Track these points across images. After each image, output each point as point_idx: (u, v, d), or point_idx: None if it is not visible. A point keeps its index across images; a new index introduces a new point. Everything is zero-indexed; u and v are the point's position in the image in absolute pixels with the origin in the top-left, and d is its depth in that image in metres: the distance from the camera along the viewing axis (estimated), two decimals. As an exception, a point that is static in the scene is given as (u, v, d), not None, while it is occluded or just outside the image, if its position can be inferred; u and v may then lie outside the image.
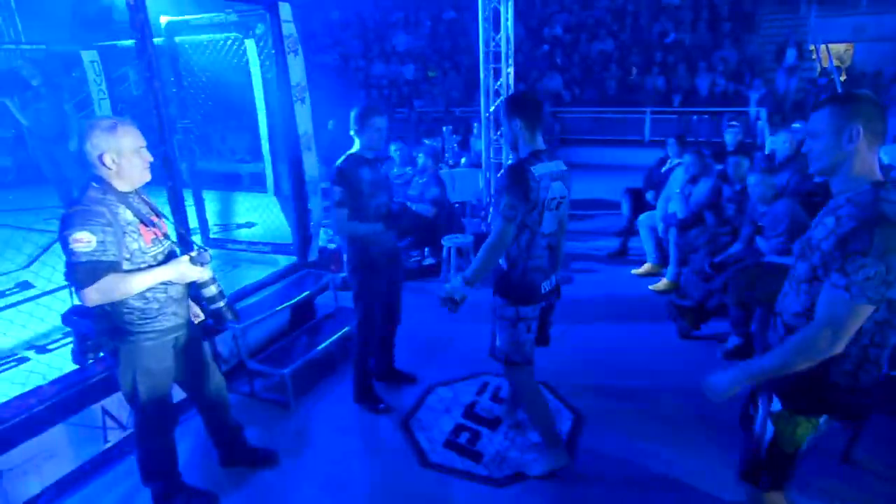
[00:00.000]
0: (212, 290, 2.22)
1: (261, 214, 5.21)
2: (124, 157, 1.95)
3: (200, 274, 2.14)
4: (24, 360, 2.85)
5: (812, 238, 1.52)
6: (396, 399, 3.27)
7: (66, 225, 1.87)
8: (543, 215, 2.26)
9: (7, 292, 3.77)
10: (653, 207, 5.25)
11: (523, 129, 2.28)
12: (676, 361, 3.58)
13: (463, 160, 6.84)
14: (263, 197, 6.23)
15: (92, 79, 6.36)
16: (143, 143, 2.02)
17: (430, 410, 3.15)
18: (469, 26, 14.35)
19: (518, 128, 2.28)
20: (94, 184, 1.97)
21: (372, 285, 2.96)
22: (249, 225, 5.16)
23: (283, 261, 4.06)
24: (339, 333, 3.57)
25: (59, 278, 3.65)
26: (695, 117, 9.70)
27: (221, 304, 2.27)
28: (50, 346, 2.98)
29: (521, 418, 3.01)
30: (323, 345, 3.43)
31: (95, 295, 1.91)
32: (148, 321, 2.11)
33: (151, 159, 2.06)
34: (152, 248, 2.07)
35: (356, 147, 2.81)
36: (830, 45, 10.63)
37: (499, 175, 2.31)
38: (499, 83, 5.48)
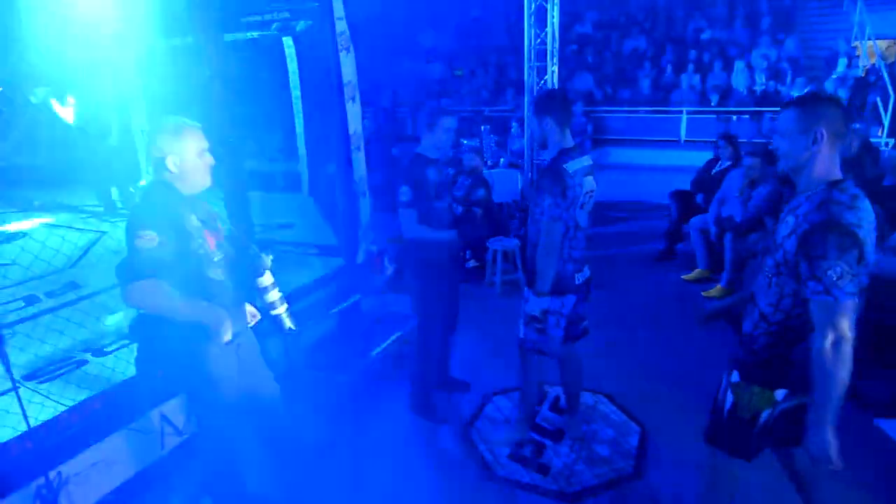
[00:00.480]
0: (272, 296, 2.17)
1: (297, 215, 5.18)
2: (188, 160, 1.93)
3: (227, 331, 2.01)
4: (83, 363, 2.85)
5: (777, 235, 1.65)
6: (452, 408, 3.22)
7: (135, 221, 1.85)
8: (578, 210, 2.34)
9: (57, 292, 3.78)
10: (703, 210, 5.13)
11: (553, 126, 2.33)
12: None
13: (501, 160, 6.78)
14: (297, 197, 6.21)
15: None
16: (205, 145, 1.99)
17: (489, 421, 3.09)
18: (493, 25, 14.30)
19: (548, 126, 2.33)
20: (159, 187, 1.95)
21: (435, 290, 2.93)
22: (289, 225, 5.13)
23: (330, 263, 4.01)
24: (392, 338, 3.52)
25: (108, 279, 3.68)
26: (734, 117, 9.48)
27: (282, 310, 2.21)
28: (107, 349, 2.97)
29: (585, 430, 2.94)
30: (377, 350, 3.38)
31: (138, 295, 1.85)
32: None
33: (213, 162, 2.02)
34: (216, 254, 2.04)
35: (423, 146, 2.79)
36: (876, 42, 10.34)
37: (534, 177, 2.32)
38: (543, 80, 5.39)
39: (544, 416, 3.09)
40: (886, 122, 8.42)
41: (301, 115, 6.01)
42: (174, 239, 1.88)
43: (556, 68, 5.37)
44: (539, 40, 5.33)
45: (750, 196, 4.36)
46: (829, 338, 1.51)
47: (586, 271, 2.51)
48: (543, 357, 2.65)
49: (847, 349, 1.51)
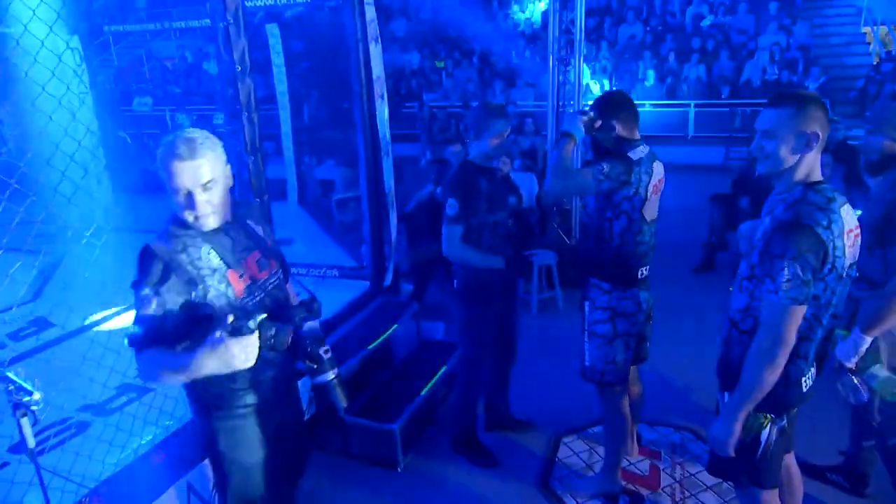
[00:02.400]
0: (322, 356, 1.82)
1: (289, 228, 4.95)
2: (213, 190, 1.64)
3: (247, 357, 1.56)
4: (84, 425, 2.55)
5: (753, 237, 1.72)
6: (514, 452, 3.06)
7: (139, 275, 1.60)
8: (645, 201, 2.34)
9: (23, 334, 3.44)
10: (749, 215, 5.12)
11: (622, 131, 2.34)
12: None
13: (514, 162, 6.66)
14: (283, 206, 5.97)
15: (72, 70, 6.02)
16: (206, 178, 1.63)
17: (567, 469, 2.94)
18: (475, 9, 14.28)
19: (615, 131, 2.34)
20: (172, 222, 1.67)
21: (484, 317, 2.84)
22: (288, 241, 4.88)
23: (354, 288, 3.81)
24: (440, 374, 3.34)
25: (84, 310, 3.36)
26: (748, 110, 9.68)
27: (331, 376, 1.85)
28: (110, 406, 2.68)
29: (680, 474, 2.83)
30: (426, 389, 3.20)
31: (143, 373, 1.62)
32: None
33: (231, 184, 1.74)
34: (247, 300, 1.70)
35: (472, 153, 2.72)
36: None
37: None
38: (568, 69, 5.30)
39: (630, 461, 2.96)
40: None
41: (288, 111, 5.81)
42: (181, 286, 1.60)
43: (581, 60, 5.30)
44: (564, 27, 5.24)
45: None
46: (768, 338, 1.62)
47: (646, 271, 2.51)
48: (624, 389, 2.57)
49: (781, 355, 1.62)
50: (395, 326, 3.44)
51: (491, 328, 2.88)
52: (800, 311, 1.60)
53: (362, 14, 3.31)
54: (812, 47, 10.62)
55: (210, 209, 1.64)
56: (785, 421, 1.78)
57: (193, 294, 1.62)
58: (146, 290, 1.58)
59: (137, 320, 1.59)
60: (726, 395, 1.82)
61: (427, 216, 4.94)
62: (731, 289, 1.86)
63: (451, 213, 2.61)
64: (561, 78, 5.32)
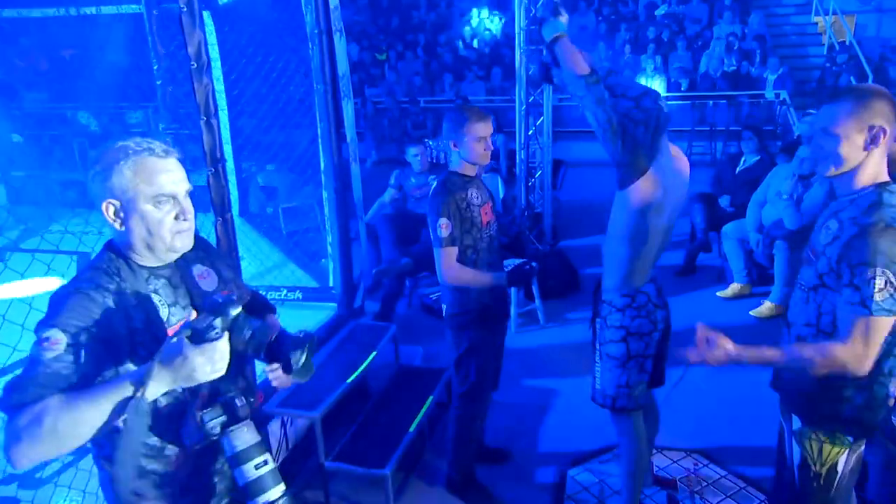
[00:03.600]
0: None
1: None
2: (136, 210, 1.36)
3: (213, 368, 1.23)
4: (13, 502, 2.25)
5: (816, 243, 1.70)
6: (515, 490, 2.97)
7: (48, 314, 1.29)
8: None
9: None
10: (731, 216, 5.23)
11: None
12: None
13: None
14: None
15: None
16: (173, 187, 1.37)
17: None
18: (417, -1, 14.22)
19: None
20: (110, 249, 1.40)
21: (485, 343, 2.76)
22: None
23: (320, 313, 3.62)
24: (427, 406, 3.19)
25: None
26: (709, 103, 9.99)
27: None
28: (41, 474, 2.38)
29: (700, 504, 2.80)
30: (414, 425, 3.04)
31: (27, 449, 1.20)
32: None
33: (191, 217, 1.43)
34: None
35: (454, 163, 2.63)
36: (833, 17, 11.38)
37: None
38: (533, 69, 5.28)
39: (651, 496, 2.90)
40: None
41: (226, 112, 5.53)
42: (101, 339, 1.29)
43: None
44: (527, 21, 5.21)
45: (802, 197, 4.47)
46: (852, 355, 1.56)
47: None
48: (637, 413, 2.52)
49: (863, 366, 1.57)
50: (373, 354, 3.26)
51: (493, 355, 2.82)
52: (891, 322, 1.56)
53: (325, 1, 3.13)
54: (768, 37, 11.10)
55: (191, 224, 1.40)
56: (863, 447, 1.75)
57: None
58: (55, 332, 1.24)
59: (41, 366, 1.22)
60: (796, 418, 1.79)
61: (392, 226, 4.80)
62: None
63: (444, 235, 2.51)
64: (531, 71, 5.27)
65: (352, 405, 3.14)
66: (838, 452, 1.71)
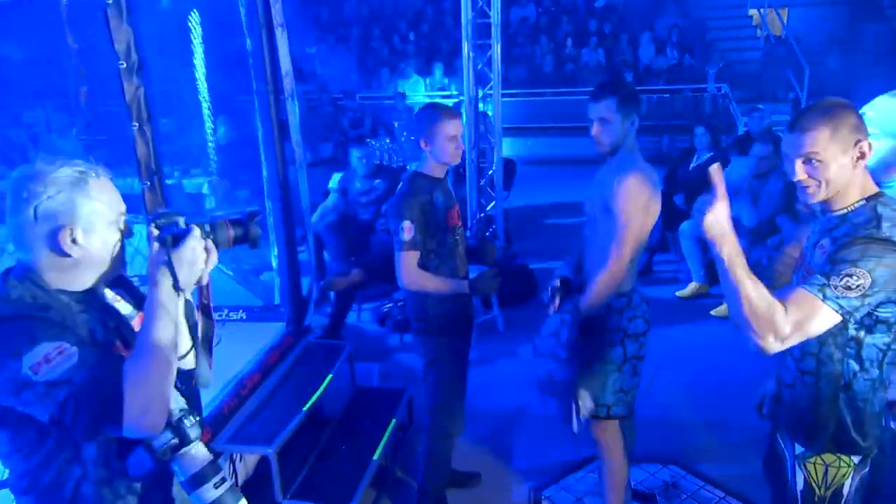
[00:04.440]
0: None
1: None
2: (96, 234, 1.37)
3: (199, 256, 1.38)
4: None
5: (812, 263, 1.68)
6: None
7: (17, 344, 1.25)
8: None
9: None
10: (686, 214, 5.37)
11: (632, 128, 2.35)
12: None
13: (412, 166, 6.53)
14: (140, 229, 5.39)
15: None
16: (123, 207, 1.42)
17: (559, 527, 2.83)
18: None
19: (632, 126, 2.34)
20: (18, 279, 1.35)
21: (452, 352, 2.74)
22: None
23: (266, 333, 3.46)
24: (390, 430, 3.10)
25: None
26: (653, 97, 10.30)
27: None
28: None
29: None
30: (378, 452, 2.95)
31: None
32: None
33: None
34: None
35: (422, 163, 2.63)
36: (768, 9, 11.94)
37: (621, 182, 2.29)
38: (481, 65, 5.27)
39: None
40: (804, 99, 9.71)
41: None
42: None
43: (499, 45, 5.28)
44: (474, 13, 5.20)
45: (759, 193, 4.63)
46: (779, 326, 1.50)
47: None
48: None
49: (768, 348, 1.53)
50: (329, 377, 3.14)
51: (463, 365, 2.82)
52: (831, 321, 1.52)
53: (266, -7, 3.00)
54: (708, 30, 11.56)
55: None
56: (868, 468, 1.76)
57: None
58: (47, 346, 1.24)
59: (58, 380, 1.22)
60: (797, 445, 1.78)
61: (338, 234, 4.68)
62: None
63: (406, 238, 2.50)
64: (479, 66, 5.27)
65: (308, 434, 3.01)
66: (844, 475, 1.73)
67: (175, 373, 1.33)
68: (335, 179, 5.40)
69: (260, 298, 3.65)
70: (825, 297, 1.50)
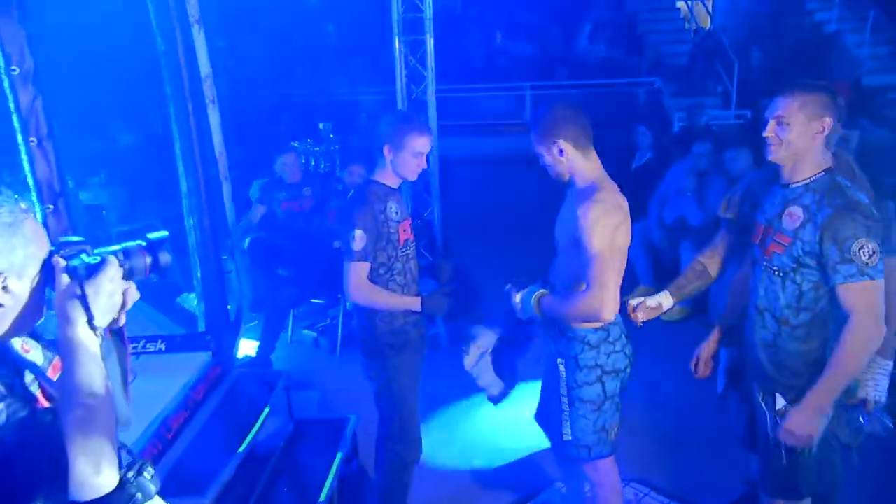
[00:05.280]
0: None
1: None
2: (27, 278, 1.27)
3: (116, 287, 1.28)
4: None
5: (780, 230, 2.07)
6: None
7: None
8: None
9: None
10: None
11: (574, 151, 2.25)
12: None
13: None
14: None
15: None
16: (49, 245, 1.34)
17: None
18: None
19: (566, 153, 2.25)
20: None
21: (405, 373, 2.71)
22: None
23: (189, 363, 3.27)
24: (336, 466, 2.99)
25: None
26: (586, 91, 10.48)
27: None
28: None
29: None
30: (324, 494, 2.83)
31: None
32: None
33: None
34: None
35: (379, 170, 2.61)
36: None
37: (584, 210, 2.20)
38: (414, 61, 5.21)
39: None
40: (734, 92, 10.14)
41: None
42: None
43: (432, 41, 5.23)
44: (403, 7, 5.13)
45: (702, 191, 4.77)
46: (870, 317, 1.91)
47: None
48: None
49: (880, 335, 1.95)
50: (265, 411, 3.00)
51: (417, 386, 2.79)
52: (882, 286, 1.91)
53: (179, -13, 2.83)
54: (638, 23, 11.91)
55: None
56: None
57: None
58: None
59: None
60: (779, 396, 2.11)
61: (266, 249, 4.51)
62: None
63: (356, 248, 2.49)
64: (412, 63, 5.19)
65: (245, 478, 2.84)
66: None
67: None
68: (256, 188, 5.21)
69: (181, 326, 3.47)
70: (868, 275, 1.88)
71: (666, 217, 5.07)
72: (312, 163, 5.79)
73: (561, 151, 2.24)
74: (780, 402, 2.12)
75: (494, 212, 7.92)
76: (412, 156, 2.52)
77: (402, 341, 2.67)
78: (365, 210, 2.49)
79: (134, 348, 3.38)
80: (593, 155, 2.30)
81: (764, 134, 2.04)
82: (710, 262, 2.56)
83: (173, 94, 2.99)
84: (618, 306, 2.21)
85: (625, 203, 2.28)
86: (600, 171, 2.30)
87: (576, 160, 2.25)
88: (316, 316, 4.91)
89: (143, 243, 1.32)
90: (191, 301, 3.54)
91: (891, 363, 2.31)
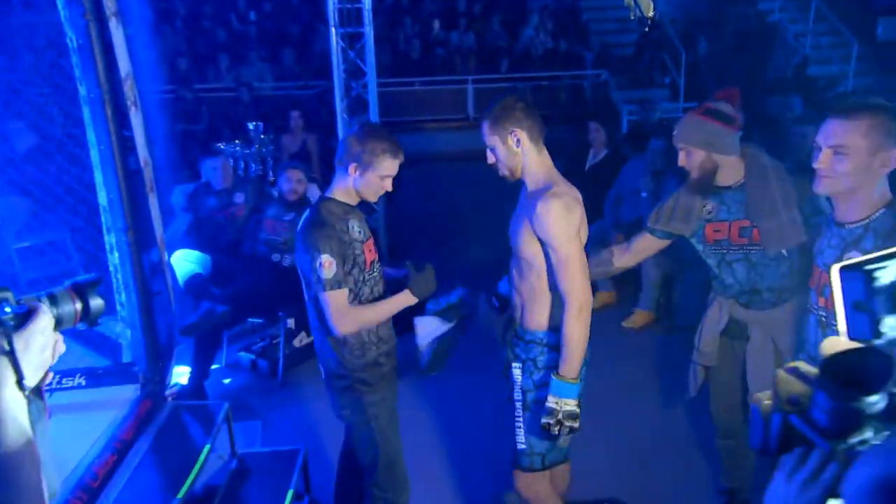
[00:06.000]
0: None
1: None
2: None
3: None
4: None
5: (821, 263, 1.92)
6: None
7: None
8: None
9: None
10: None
11: (529, 144, 2.32)
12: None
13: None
14: None
15: None
16: None
17: None
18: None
19: (522, 144, 2.31)
20: None
21: (389, 407, 2.67)
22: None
23: (115, 399, 3.12)
24: (287, 503, 2.89)
25: None
26: (530, 84, 10.61)
27: None
28: None
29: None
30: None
31: None
32: None
33: None
34: None
35: (336, 186, 2.51)
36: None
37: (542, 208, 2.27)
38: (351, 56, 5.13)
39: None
40: (682, 83, 10.44)
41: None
42: None
43: (371, 32, 5.17)
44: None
45: (658, 191, 4.85)
46: None
47: None
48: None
49: None
50: (206, 448, 2.87)
51: (397, 421, 2.71)
52: None
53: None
54: (582, 12, 12.14)
55: None
56: None
57: None
58: None
59: None
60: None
61: (195, 265, 4.35)
62: None
63: (328, 276, 2.36)
64: (351, 54, 5.11)
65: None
66: None
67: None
68: (179, 195, 5.02)
69: (102, 356, 3.31)
70: None
71: (622, 217, 5.14)
72: (243, 166, 5.62)
73: (518, 142, 2.30)
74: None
75: (440, 213, 7.90)
76: (380, 178, 2.45)
77: (375, 376, 2.58)
78: (327, 232, 2.38)
79: (48, 385, 3.19)
80: (545, 152, 2.38)
81: (815, 165, 1.84)
82: (621, 257, 2.72)
83: (89, 95, 2.84)
84: (591, 295, 2.31)
85: (580, 198, 2.37)
86: (551, 168, 2.38)
87: (530, 154, 2.33)
88: (252, 336, 4.76)
89: (71, 287, 1.23)
90: (113, 327, 3.36)
91: None
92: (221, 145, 5.79)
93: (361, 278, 2.46)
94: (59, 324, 1.22)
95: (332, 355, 2.52)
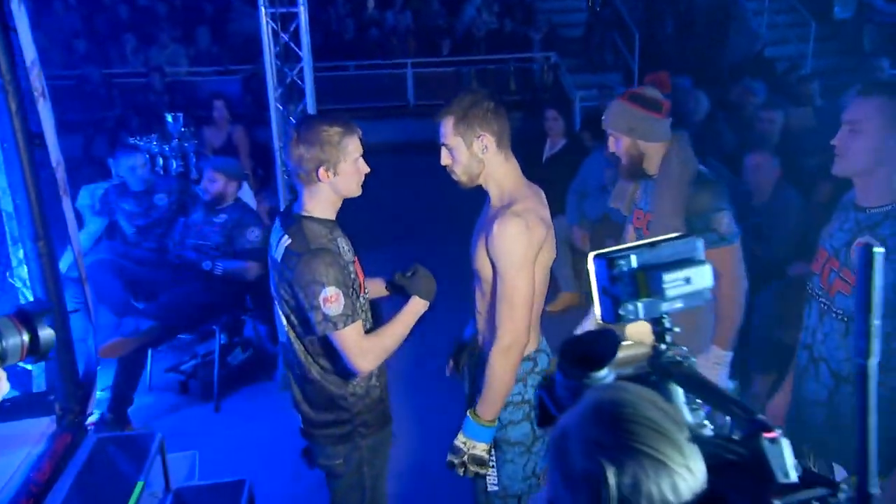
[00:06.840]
0: None
1: None
2: None
3: None
4: None
5: (847, 263, 1.90)
6: None
7: None
8: None
9: None
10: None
11: (496, 151, 2.22)
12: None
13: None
14: None
15: None
16: None
17: None
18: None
19: (488, 150, 2.20)
20: None
21: (384, 454, 2.60)
22: None
23: (26, 434, 2.98)
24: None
25: None
26: (473, 68, 10.66)
27: None
28: None
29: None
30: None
31: None
32: None
33: None
34: None
35: (310, 201, 2.30)
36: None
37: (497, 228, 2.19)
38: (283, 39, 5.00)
39: None
40: (636, 68, 10.63)
41: None
42: None
43: (305, 12, 5.05)
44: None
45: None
46: None
47: None
48: None
49: None
50: (139, 486, 2.76)
51: (386, 468, 2.65)
52: None
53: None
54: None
55: None
56: None
57: None
58: None
59: None
60: (837, 466, 2.01)
61: (116, 276, 4.20)
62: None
63: (337, 312, 2.18)
64: (284, 37, 4.97)
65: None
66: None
67: None
68: (87, 196, 4.84)
69: (13, 387, 3.14)
70: None
71: (587, 214, 5.18)
72: (161, 163, 5.44)
73: (485, 148, 2.18)
74: (842, 473, 1.99)
75: (380, 213, 7.84)
76: (354, 163, 2.25)
77: (378, 418, 2.49)
78: (326, 259, 2.19)
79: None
80: (513, 160, 2.28)
81: (832, 142, 1.90)
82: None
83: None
84: (526, 336, 2.21)
85: (547, 213, 2.28)
86: (519, 179, 2.28)
87: (495, 163, 2.21)
88: (181, 354, 4.62)
89: (15, 315, 1.14)
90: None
91: (730, 354, 2.57)
92: (137, 140, 5.58)
93: (360, 305, 2.33)
94: (1, 359, 1.14)
95: (334, 402, 2.39)
